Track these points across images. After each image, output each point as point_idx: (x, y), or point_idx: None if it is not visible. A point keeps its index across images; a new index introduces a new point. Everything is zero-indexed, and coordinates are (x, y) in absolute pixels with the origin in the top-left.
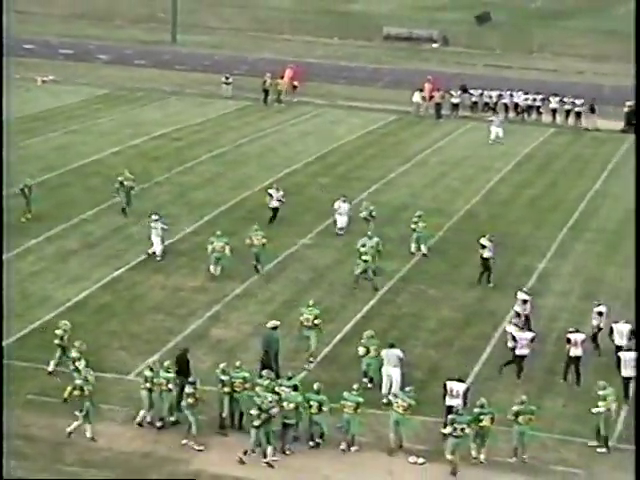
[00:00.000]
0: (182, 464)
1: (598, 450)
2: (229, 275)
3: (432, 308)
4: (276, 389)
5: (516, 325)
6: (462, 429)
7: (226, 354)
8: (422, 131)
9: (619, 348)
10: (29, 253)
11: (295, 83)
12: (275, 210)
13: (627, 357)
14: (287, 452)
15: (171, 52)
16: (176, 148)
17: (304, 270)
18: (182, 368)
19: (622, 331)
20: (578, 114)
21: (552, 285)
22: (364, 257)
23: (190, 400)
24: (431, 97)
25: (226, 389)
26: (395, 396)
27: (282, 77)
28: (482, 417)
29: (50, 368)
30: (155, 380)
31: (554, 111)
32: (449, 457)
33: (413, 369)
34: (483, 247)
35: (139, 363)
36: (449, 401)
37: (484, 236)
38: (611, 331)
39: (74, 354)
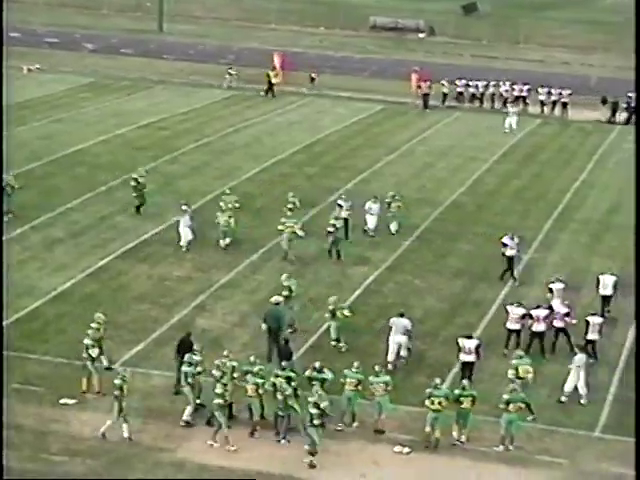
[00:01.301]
0: (167, 453)
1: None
2: (215, 265)
3: (418, 298)
4: (273, 379)
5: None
6: (439, 402)
7: (211, 344)
8: (408, 121)
9: (605, 297)
10: (14, 242)
11: (313, 75)
12: (345, 221)
13: (594, 321)
14: (282, 442)
15: (157, 41)
16: (162, 137)
17: (290, 260)
18: (185, 352)
19: (607, 283)
20: (564, 104)
21: (538, 275)
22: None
23: (220, 400)
24: (418, 87)
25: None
26: (370, 382)
27: (274, 67)
28: (462, 399)
29: (105, 364)
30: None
31: (542, 102)
32: (427, 430)
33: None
34: (505, 245)
35: (124, 352)
36: (463, 357)
37: (506, 234)
38: (597, 282)
39: (86, 341)
